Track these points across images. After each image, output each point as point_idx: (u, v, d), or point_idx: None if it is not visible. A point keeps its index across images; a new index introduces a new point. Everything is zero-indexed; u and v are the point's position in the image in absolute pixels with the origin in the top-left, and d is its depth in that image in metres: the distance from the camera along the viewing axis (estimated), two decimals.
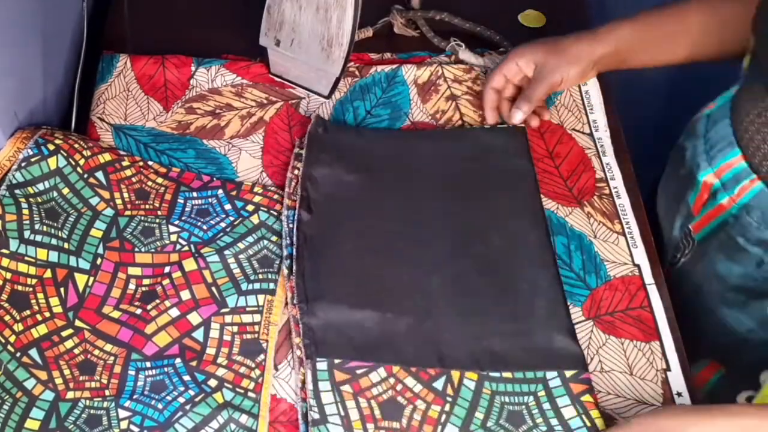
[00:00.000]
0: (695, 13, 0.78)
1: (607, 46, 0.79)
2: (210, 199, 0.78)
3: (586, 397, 0.68)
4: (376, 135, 0.83)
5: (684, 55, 0.80)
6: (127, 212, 0.76)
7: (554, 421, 0.67)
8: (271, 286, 0.73)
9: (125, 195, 0.77)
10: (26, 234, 0.71)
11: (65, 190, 0.75)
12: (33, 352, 0.68)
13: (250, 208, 0.77)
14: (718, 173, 0.74)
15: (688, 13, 0.79)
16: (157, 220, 0.76)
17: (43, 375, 0.67)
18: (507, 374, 0.69)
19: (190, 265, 0.73)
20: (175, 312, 0.71)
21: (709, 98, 0.79)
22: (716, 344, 0.79)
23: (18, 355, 0.67)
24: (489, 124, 0.84)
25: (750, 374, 0.75)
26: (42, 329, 0.69)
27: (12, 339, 0.68)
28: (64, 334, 0.69)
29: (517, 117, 0.81)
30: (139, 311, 0.71)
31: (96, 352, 0.69)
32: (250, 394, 0.68)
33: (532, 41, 0.82)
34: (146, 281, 0.73)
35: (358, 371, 0.69)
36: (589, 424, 0.67)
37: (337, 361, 0.69)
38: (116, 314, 0.71)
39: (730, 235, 0.74)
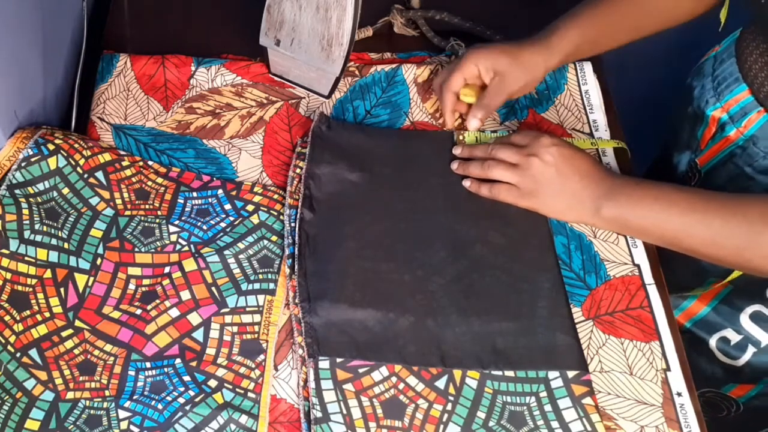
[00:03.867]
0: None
1: (560, 55, 0.80)
2: (210, 199, 0.78)
3: (587, 400, 0.68)
4: (380, 133, 0.83)
5: (629, 39, 0.82)
6: (127, 212, 0.76)
7: (555, 424, 0.67)
8: (271, 286, 0.73)
9: (125, 195, 0.77)
10: (26, 234, 0.71)
11: (65, 190, 0.75)
12: (33, 353, 0.68)
13: (249, 208, 0.77)
14: (725, 107, 0.77)
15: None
16: (157, 220, 0.76)
17: (43, 375, 0.67)
18: (509, 373, 0.69)
19: (189, 265, 0.73)
20: (174, 312, 0.71)
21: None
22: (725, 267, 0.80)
23: (18, 355, 0.67)
24: (448, 128, 0.83)
25: (757, 289, 0.79)
26: (42, 329, 0.69)
27: (12, 339, 0.67)
28: (64, 334, 0.69)
29: (474, 125, 0.81)
30: (139, 311, 0.71)
31: (96, 352, 0.69)
32: (249, 394, 0.68)
33: (487, 45, 0.81)
34: (146, 281, 0.73)
35: (360, 370, 0.69)
36: (589, 428, 0.67)
37: (339, 360, 0.69)
38: (116, 314, 0.71)
39: (737, 165, 0.77)
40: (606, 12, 0.80)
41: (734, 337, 0.81)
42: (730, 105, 0.77)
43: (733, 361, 0.82)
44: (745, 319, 0.80)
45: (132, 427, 0.65)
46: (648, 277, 0.76)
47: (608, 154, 0.84)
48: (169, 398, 0.67)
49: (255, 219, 0.77)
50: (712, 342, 0.83)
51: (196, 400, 0.67)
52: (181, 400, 0.67)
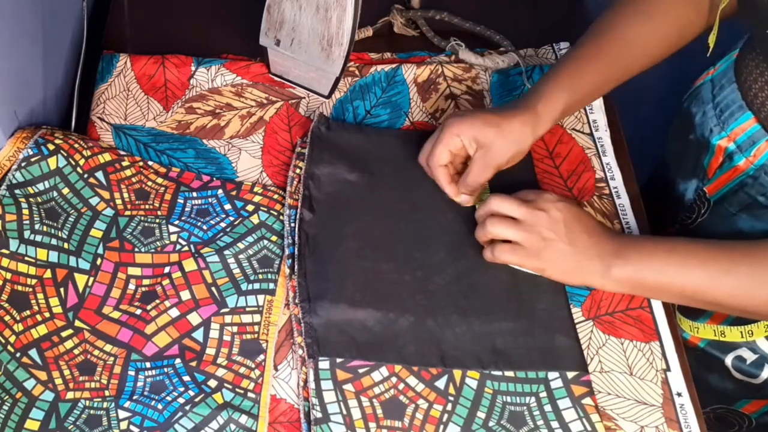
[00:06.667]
0: (617, 42, 0.76)
1: (549, 123, 0.74)
2: (210, 199, 0.78)
3: (587, 400, 0.68)
4: (379, 133, 0.83)
5: (618, 83, 0.78)
6: (127, 212, 0.76)
7: (555, 424, 0.67)
8: (271, 286, 0.73)
9: (125, 195, 0.77)
10: (26, 234, 0.71)
11: (65, 190, 0.75)
12: (33, 353, 0.68)
13: (249, 208, 0.77)
14: (731, 136, 0.75)
15: (609, 44, 0.76)
16: (157, 220, 0.76)
17: (42, 375, 0.67)
18: (509, 373, 0.69)
19: (189, 265, 0.73)
20: (174, 312, 0.71)
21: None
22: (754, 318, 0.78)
23: (18, 355, 0.67)
24: (453, 199, 0.76)
25: None
26: (42, 329, 0.69)
27: (12, 339, 0.67)
28: (63, 334, 0.69)
29: (466, 202, 0.76)
30: (138, 311, 0.71)
31: (96, 352, 0.69)
32: (249, 394, 0.68)
33: (469, 114, 0.74)
34: (146, 281, 0.73)
35: (360, 370, 0.69)
36: (589, 428, 0.67)
37: (339, 360, 0.69)
38: (116, 314, 0.71)
39: (749, 195, 0.75)
40: (593, 64, 0.75)
41: (750, 356, 0.79)
42: (736, 134, 0.74)
43: (751, 379, 0.80)
44: (760, 338, 0.79)
45: (132, 427, 0.65)
46: None
47: (608, 154, 0.84)
48: (169, 398, 0.67)
49: (255, 219, 0.77)
50: (728, 360, 0.81)
51: (196, 400, 0.67)
52: (181, 400, 0.67)
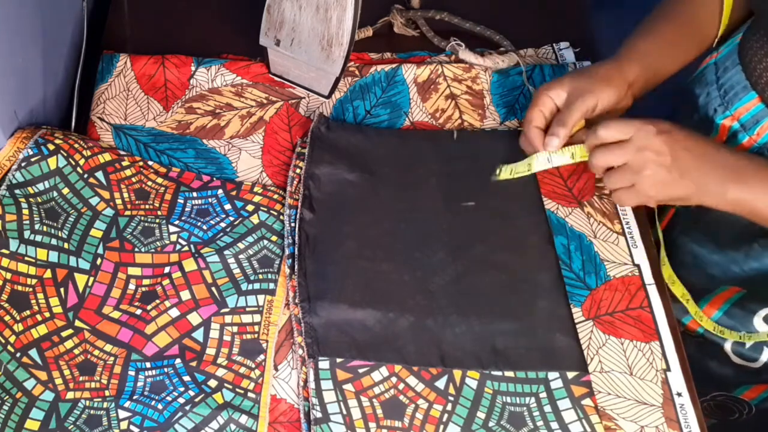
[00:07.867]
0: (691, 4, 0.79)
1: (635, 65, 0.76)
2: (210, 199, 0.78)
3: (587, 401, 0.68)
4: (379, 134, 0.83)
5: (702, 46, 0.80)
6: (127, 212, 0.76)
7: (554, 425, 0.67)
8: (271, 286, 0.73)
9: (125, 195, 0.77)
10: (26, 234, 0.71)
11: (65, 190, 0.75)
12: (33, 353, 0.68)
13: (249, 208, 0.77)
14: (735, 115, 0.76)
15: (684, 6, 0.79)
16: (157, 220, 0.76)
17: (43, 375, 0.67)
18: (509, 373, 0.69)
19: (189, 265, 0.73)
20: (174, 312, 0.71)
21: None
22: (737, 274, 0.80)
23: (18, 355, 0.67)
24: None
25: None
26: (42, 329, 0.69)
27: (12, 339, 0.67)
28: (63, 334, 0.69)
29: (553, 144, 0.74)
30: (138, 311, 0.71)
31: (96, 352, 0.69)
32: (249, 394, 0.68)
33: (556, 78, 0.77)
34: (146, 281, 0.73)
35: (360, 370, 0.69)
36: (589, 429, 0.67)
37: (339, 360, 0.69)
38: (116, 314, 0.71)
39: None
40: (665, 22, 0.79)
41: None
42: (740, 113, 0.75)
43: (750, 363, 0.81)
44: (758, 321, 0.79)
45: (132, 427, 0.65)
46: (648, 277, 0.76)
47: None
48: (169, 398, 0.67)
49: (255, 219, 0.77)
50: (727, 345, 0.82)
51: (196, 400, 0.67)
52: (181, 400, 0.67)
